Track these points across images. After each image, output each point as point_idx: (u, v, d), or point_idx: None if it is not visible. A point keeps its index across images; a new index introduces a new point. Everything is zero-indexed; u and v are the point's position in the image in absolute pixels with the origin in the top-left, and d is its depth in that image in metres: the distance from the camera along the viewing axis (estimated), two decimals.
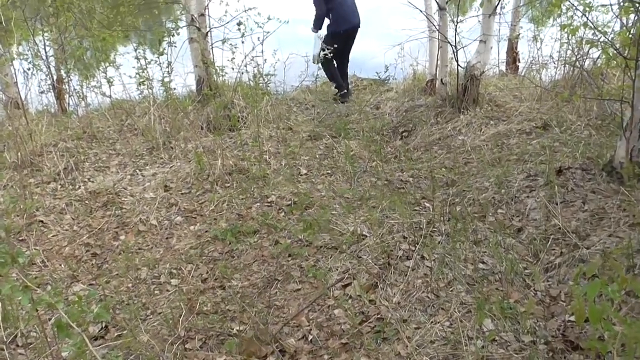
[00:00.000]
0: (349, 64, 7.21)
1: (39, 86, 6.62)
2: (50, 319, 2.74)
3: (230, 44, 5.45)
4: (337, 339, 2.56)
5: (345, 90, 6.93)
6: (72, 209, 4.03)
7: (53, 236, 3.73)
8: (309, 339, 2.58)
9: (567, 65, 5.90)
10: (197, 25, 5.78)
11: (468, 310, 2.60)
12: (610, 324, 2.08)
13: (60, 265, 3.40)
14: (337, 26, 6.78)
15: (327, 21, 6.86)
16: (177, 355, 2.44)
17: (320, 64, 6.79)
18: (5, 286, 1.96)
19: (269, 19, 5.42)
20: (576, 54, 5.62)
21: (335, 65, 6.94)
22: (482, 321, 2.45)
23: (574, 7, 4.61)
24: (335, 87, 6.88)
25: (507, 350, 2.31)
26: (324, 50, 6.53)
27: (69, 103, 6.77)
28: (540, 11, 7.31)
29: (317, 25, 6.85)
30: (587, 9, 4.32)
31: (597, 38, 4.04)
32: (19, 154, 4.59)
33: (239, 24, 5.31)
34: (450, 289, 2.77)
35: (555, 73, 6.19)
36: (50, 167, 4.61)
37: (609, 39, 4.15)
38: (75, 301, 1.97)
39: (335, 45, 6.38)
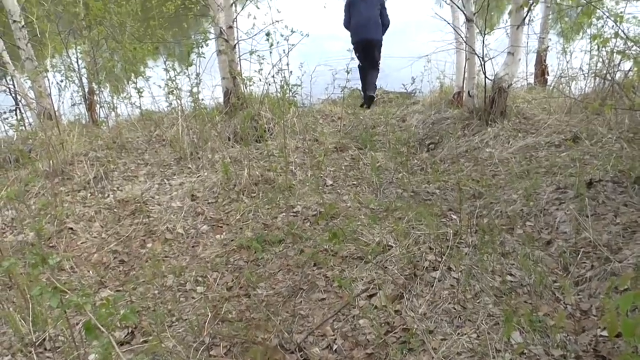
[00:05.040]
0: (376, 73, 7.60)
1: (71, 98, 6.79)
2: (77, 324, 2.77)
3: (258, 56, 5.51)
4: (362, 349, 2.53)
5: (365, 100, 7.61)
6: (101, 216, 4.10)
7: (82, 243, 3.79)
8: (334, 349, 2.56)
9: (597, 78, 5.81)
10: (226, 38, 5.86)
11: (496, 322, 2.55)
12: None
13: (89, 271, 3.45)
14: (351, 37, 7.41)
15: None
16: None
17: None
18: (36, 288, 2.00)
19: (292, 32, 5.47)
20: (607, 66, 5.53)
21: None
22: (510, 334, 2.40)
23: (606, 18, 4.55)
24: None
25: None
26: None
27: (99, 114, 6.92)
28: (569, 24, 7.23)
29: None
30: (619, 19, 4.27)
31: (629, 47, 3.98)
32: (51, 162, 4.70)
33: (268, 34, 5.36)
34: (478, 301, 2.72)
35: (585, 86, 6.09)
36: (80, 176, 4.70)
37: None
38: (103, 304, 1.99)
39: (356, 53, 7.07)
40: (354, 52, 6.99)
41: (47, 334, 2.69)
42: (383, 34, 7.45)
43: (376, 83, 7.64)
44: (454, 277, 2.91)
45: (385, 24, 7.42)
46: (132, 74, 6.28)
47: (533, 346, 2.36)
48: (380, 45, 7.46)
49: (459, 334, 2.51)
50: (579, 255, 3.04)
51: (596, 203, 3.47)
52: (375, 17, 7.28)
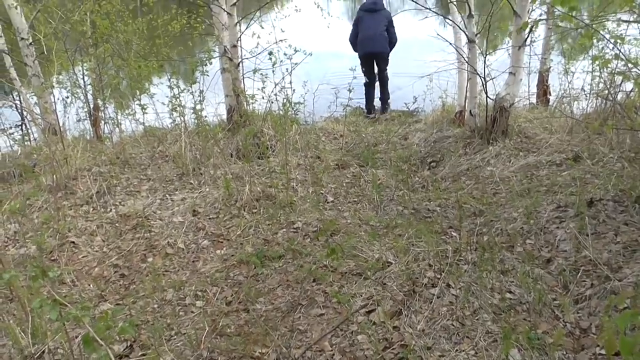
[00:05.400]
0: (386, 82, 8.07)
1: (77, 114, 6.86)
2: (77, 337, 2.77)
3: (261, 74, 5.57)
4: None
5: (372, 115, 7.98)
6: (102, 231, 4.12)
7: (83, 257, 3.81)
8: None
9: (599, 98, 5.84)
10: (230, 56, 5.93)
11: (494, 339, 2.55)
12: None
13: (89, 285, 3.46)
14: (358, 51, 7.82)
15: None
16: None
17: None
18: (35, 300, 2.01)
19: (295, 51, 5.55)
20: (608, 86, 5.56)
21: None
22: (509, 351, 2.39)
23: (606, 40, 4.59)
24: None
25: None
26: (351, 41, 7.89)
27: (104, 130, 6.98)
28: (571, 46, 7.29)
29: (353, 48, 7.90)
30: (619, 41, 4.31)
31: (629, 69, 4.01)
32: (54, 177, 4.74)
33: (270, 53, 5.44)
34: (476, 318, 2.72)
35: (587, 106, 6.12)
36: (83, 191, 4.73)
37: None
38: (101, 317, 2.00)
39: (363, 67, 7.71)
40: (360, 66, 7.55)
41: (46, 346, 2.70)
42: (390, 50, 7.76)
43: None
44: (453, 294, 2.92)
45: (392, 41, 7.73)
46: (137, 91, 6.35)
47: None
48: (387, 59, 7.85)
49: (457, 350, 2.50)
50: (579, 274, 3.04)
51: (597, 222, 3.47)
52: (382, 31, 7.60)
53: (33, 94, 6.62)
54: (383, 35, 7.61)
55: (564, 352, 2.44)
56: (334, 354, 2.61)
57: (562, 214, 3.70)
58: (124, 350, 2.75)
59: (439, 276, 3.06)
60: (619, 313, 2.57)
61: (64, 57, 6.71)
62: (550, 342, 2.48)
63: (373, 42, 7.59)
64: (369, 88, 7.92)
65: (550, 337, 2.52)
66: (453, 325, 2.68)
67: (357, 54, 7.90)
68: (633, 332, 2.34)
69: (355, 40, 7.82)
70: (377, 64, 7.85)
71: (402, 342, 2.60)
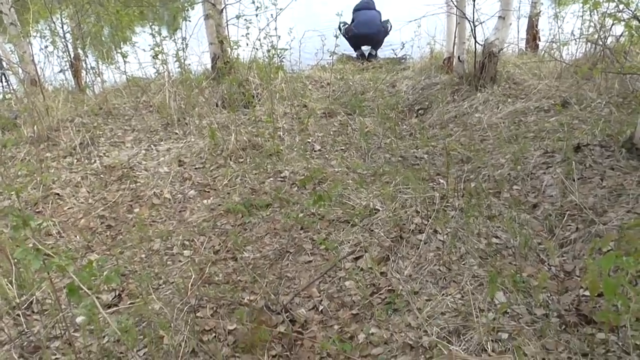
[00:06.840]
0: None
1: (59, 64, 6.66)
2: (64, 287, 2.76)
3: (245, 19, 5.41)
4: (348, 309, 2.55)
5: (359, 51, 8.44)
6: (87, 182, 4.07)
7: (69, 208, 3.77)
8: (320, 310, 2.58)
9: (588, 43, 5.76)
10: (213, 2, 5.74)
11: (480, 283, 2.58)
12: (625, 297, 2.04)
13: (76, 236, 3.44)
14: (354, 30, 8.12)
15: None
16: (188, 322, 2.46)
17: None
18: (18, 250, 1.99)
19: None
20: (598, 30, 5.48)
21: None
22: (494, 294, 2.42)
23: None
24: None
25: (519, 323, 2.28)
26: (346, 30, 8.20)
27: (85, 80, 6.80)
28: None
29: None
30: None
31: (620, 10, 3.93)
32: (35, 128, 4.63)
33: None
34: (463, 263, 2.74)
35: (577, 50, 6.05)
36: (66, 142, 4.64)
37: (632, 11, 4.02)
38: (85, 265, 1.98)
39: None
40: (348, 40, 8.12)
41: (34, 297, 2.69)
42: (383, 38, 8.25)
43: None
44: (440, 240, 2.93)
45: (387, 31, 8.22)
46: (120, 40, 6.15)
47: (516, 306, 2.39)
48: (381, 43, 8.28)
49: (443, 294, 2.53)
50: (565, 218, 3.06)
51: (583, 167, 3.48)
52: (379, 19, 8.12)
53: (9, 42, 6.39)
54: (380, 23, 8.08)
55: (549, 294, 2.48)
56: (322, 300, 2.63)
57: (549, 159, 3.70)
58: (113, 299, 2.75)
59: (426, 222, 3.07)
60: (603, 256, 2.60)
61: (41, 4, 6.45)
62: (535, 284, 2.52)
63: (370, 25, 8.00)
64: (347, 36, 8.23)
65: (535, 280, 2.55)
66: (440, 270, 2.70)
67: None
68: (616, 274, 2.37)
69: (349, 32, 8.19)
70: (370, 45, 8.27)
71: (390, 287, 2.62)
